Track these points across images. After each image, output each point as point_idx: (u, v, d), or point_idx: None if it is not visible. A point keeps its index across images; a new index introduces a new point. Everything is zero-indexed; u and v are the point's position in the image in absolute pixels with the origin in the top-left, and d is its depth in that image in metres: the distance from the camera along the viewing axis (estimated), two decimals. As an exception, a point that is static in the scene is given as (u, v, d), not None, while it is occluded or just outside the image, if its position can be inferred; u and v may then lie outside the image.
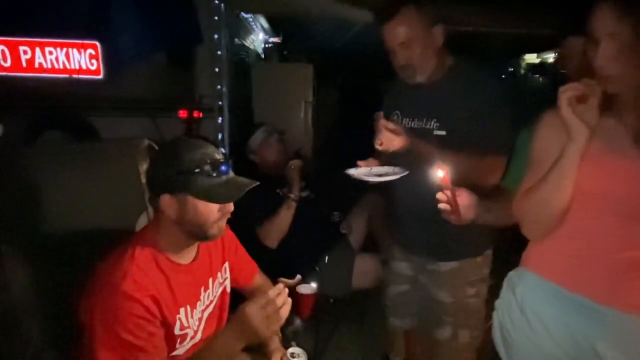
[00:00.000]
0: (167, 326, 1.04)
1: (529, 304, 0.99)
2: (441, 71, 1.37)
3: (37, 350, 1.01)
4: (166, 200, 1.03)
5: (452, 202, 1.10)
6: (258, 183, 1.10)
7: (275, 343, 1.31)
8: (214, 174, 1.04)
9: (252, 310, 0.93)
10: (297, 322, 1.67)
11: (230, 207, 1.10)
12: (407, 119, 1.44)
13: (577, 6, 1.09)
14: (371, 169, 1.38)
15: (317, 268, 2.08)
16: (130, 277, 0.97)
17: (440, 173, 1.07)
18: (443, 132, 1.34)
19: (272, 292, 0.94)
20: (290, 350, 1.19)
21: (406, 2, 1.31)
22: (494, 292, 1.53)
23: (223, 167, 1.06)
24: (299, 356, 1.17)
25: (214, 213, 1.06)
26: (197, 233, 1.08)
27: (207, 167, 1.03)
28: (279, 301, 0.94)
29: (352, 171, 1.36)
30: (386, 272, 1.72)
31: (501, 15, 3.91)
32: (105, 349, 0.93)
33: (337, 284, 2.09)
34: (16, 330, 0.99)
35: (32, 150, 1.86)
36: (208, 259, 1.21)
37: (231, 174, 1.09)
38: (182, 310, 1.09)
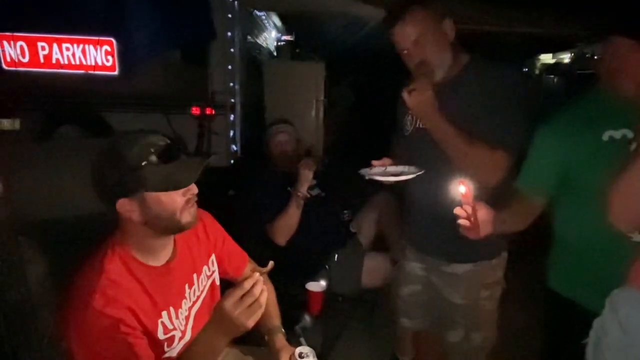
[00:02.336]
0: (149, 334, 0.99)
1: (633, 324, 0.92)
2: (457, 69, 1.35)
3: (53, 340, 1.03)
4: (124, 205, 0.98)
5: (473, 218, 1.08)
6: (210, 157, 1.05)
7: (282, 341, 1.28)
8: (163, 162, 0.98)
9: (230, 304, 0.89)
10: (306, 319, 1.68)
11: (194, 189, 1.05)
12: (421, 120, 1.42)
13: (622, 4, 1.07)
14: (386, 168, 1.36)
15: (326, 266, 2.09)
16: (99, 292, 0.92)
17: (462, 189, 1.05)
18: None
19: (248, 282, 0.90)
20: (299, 349, 1.18)
21: (412, 1, 1.30)
22: (508, 293, 1.53)
23: (173, 151, 1.01)
24: (307, 355, 1.16)
25: (178, 200, 1.01)
26: (170, 226, 1.03)
27: (153, 157, 0.97)
28: (256, 291, 0.90)
29: (366, 171, 1.35)
30: (398, 272, 1.71)
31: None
32: None
33: (346, 282, 2.10)
34: (33, 320, 1.01)
35: (49, 144, 1.89)
36: (189, 254, 1.17)
37: (182, 156, 1.03)
38: (164, 313, 1.04)
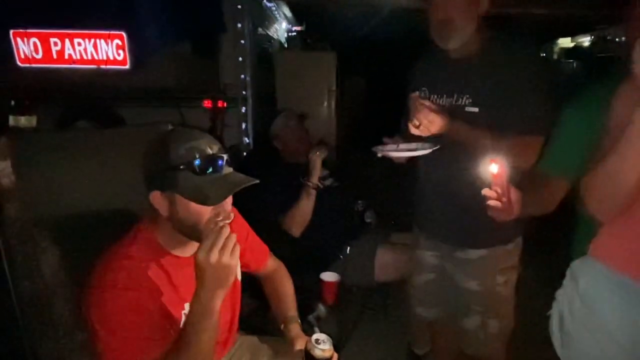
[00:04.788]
0: (173, 323, 1.00)
1: (591, 294, 0.93)
2: (476, 43, 1.29)
3: (68, 329, 1.04)
4: (157, 197, 0.97)
5: (506, 199, 1.02)
6: (257, 181, 1.00)
7: (297, 330, 1.29)
8: (204, 171, 0.95)
9: (203, 255, 0.87)
10: (321, 308, 1.67)
11: (227, 207, 1.01)
12: (436, 96, 1.37)
13: None
14: (398, 145, 1.33)
15: (341, 256, 2.07)
16: (124, 272, 0.93)
17: (494, 168, 0.99)
18: (476, 109, 1.28)
19: (211, 231, 0.89)
20: (315, 336, 1.17)
21: None
22: (524, 279, 1.49)
23: (215, 163, 0.97)
24: (323, 342, 1.14)
25: (207, 214, 0.97)
26: (191, 234, 1.00)
27: (195, 163, 0.94)
28: (224, 231, 0.88)
29: (378, 148, 1.32)
30: (412, 260, 1.68)
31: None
32: (107, 348, 0.92)
33: (359, 274, 2.07)
34: (48, 310, 1.02)
35: (63, 135, 1.91)
36: None
37: (227, 169, 1.00)
38: (187, 305, 1.03)
